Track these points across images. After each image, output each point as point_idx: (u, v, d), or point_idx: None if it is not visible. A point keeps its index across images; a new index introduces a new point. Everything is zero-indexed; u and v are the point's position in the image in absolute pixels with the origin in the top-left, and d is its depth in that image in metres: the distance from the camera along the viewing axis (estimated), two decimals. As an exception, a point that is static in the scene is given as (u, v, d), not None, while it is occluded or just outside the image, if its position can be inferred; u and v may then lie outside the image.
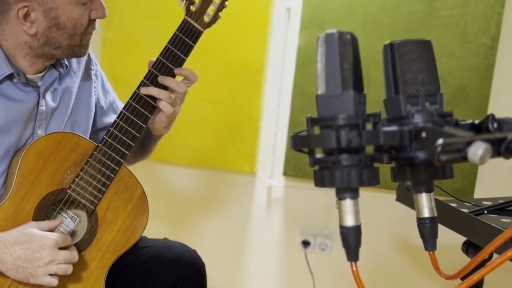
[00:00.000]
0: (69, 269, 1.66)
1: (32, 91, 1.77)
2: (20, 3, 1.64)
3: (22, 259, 1.60)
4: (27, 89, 1.76)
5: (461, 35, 2.88)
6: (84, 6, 1.71)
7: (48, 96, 1.81)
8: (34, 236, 1.62)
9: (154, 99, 1.80)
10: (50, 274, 1.64)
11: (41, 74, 1.79)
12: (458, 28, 2.88)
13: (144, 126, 1.81)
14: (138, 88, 1.80)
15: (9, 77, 1.71)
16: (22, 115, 1.74)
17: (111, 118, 2.05)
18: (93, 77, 2.01)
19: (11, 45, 1.72)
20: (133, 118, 1.79)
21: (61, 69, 1.85)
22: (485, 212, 1.82)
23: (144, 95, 1.79)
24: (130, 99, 1.79)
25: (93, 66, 2.02)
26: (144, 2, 3.19)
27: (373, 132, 0.83)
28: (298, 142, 0.87)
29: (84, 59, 1.96)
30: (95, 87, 2.01)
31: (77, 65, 1.94)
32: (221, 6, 1.87)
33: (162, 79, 1.80)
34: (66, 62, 1.88)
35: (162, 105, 1.79)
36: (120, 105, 2.11)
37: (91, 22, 1.77)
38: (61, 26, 1.70)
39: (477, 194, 2.94)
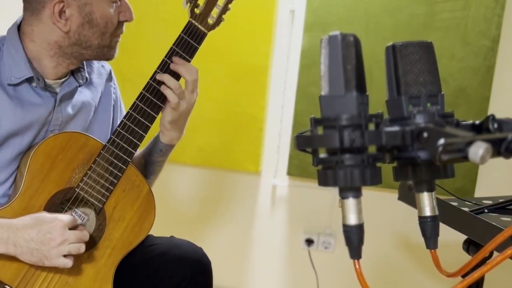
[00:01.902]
0: (81, 247, 1.67)
1: (49, 96, 1.77)
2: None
3: (35, 241, 1.60)
4: (45, 94, 1.76)
5: (462, 37, 2.88)
6: (115, 4, 1.74)
7: (66, 105, 1.81)
8: (44, 218, 1.63)
9: (160, 99, 1.81)
10: (64, 256, 1.64)
11: (60, 81, 1.79)
12: (459, 30, 2.88)
13: (150, 125, 1.81)
14: (144, 89, 1.80)
15: (28, 80, 1.71)
16: (37, 119, 1.74)
17: None
18: (113, 95, 2.02)
19: (38, 46, 1.72)
20: (140, 118, 1.79)
21: (81, 81, 1.85)
22: (486, 211, 1.82)
23: (150, 95, 1.79)
24: (137, 99, 1.80)
25: (114, 84, 2.03)
26: (150, 5, 3.20)
27: (375, 132, 0.83)
28: (302, 142, 0.87)
29: (105, 75, 1.98)
30: (115, 102, 2.03)
31: (98, 80, 1.95)
32: (225, 9, 1.87)
33: (174, 66, 1.80)
34: (87, 75, 1.88)
35: (169, 94, 1.79)
36: None
37: (120, 24, 1.79)
38: (94, 23, 1.71)
39: (478, 193, 2.94)
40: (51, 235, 1.61)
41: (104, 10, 1.71)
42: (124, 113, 2.06)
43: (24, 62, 1.70)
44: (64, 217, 1.65)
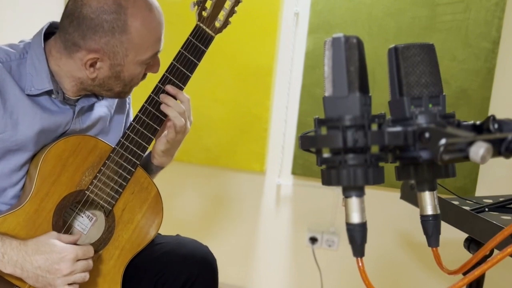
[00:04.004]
0: (86, 277, 1.66)
1: (68, 109, 1.76)
2: (92, 54, 1.63)
3: (42, 269, 1.59)
4: (64, 107, 1.75)
5: (463, 39, 2.88)
6: (147, 65, 1.74)
7: (84, 117, 1.82)
8: (55, 247, 1.61)
9: None
10: (69, 284, 1.64)
11: (79, 97, 1.79)
12: (460, 32, 2.87)
13: (159, 128, 1.81)
14: (152, 92, 1.80)
15: (48, 92, 1.70)
16: (55, 128, 1.73)
17: None
18: (127, 105, 2.03)
19: (62, 72, 1.70)
20: (148, 121, 1.79)
21: (100, 97, 1.85)
22: (486, 209, 1.82)
23: (159, 99, 1.79)
24: (145, 102, 1.79)
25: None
26: (158, 8, 3.20)
27: (378, 133, 0.83)
28: (306, 142, 0.87)
29: None
30: (128, 111, 2.03)
31: None
32: (232, 12, 1.87)
33: (169, 88, 1.80)
34: None
35: (172, 115, 1.79)
36: None
37: (144, 75, 1.79)
38: (121, 78, 1.71)
39: (479, 192, 2.93)
40: (58, 266, 1.60)
41: (134, 71, 1.71)
42: (132, 117, 2.08)
43: (46, 75, 1.67)
44: (74, 249, 1.64)
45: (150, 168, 1.96)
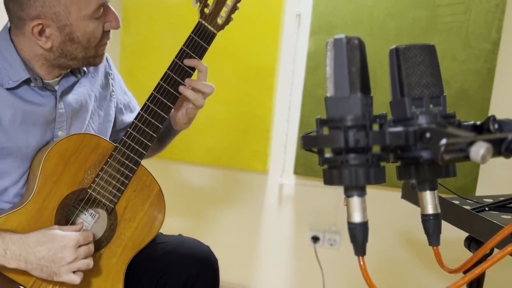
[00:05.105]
0: (90, 263, 1.67)
1: (49, 94, 1.75)
2: (35, 21, 1.61)
3: (45, 259, 1.60)
4: (44, 93, 1.74)
5: (463, 40, 2.87)
6: (98, 20, 1.68)
7: (68, 99, 1.79)
8: (56, 236, 1.62)
9: (170, 100, 1.81)
10: (73, 271, 1.64)
11: (58, 79, 1.78)
12: (461, 33, 2.87)
13: (161, 126, 1.80)
14: (154, 90, 1.80)
15: (26, 81, 1.69)
16: (40, 117, 1.72)
17: (128, 117, 2.06)
18: (111, 81, 2.00)
19: (27, 55, 1.69)
20: (151, 119, 1.78)
21: (78, 75, 1.83)
22: (486, 209, 1.82)
23: (161, 97, 1.79)
24: (148, 100, 1.79)
25: (111, 70, 2.00)
26: (160, 8, 3.21)
27: (379, 133, 0.83)
28: (308, 142, 0.87)
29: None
30: (113, 91, 2.00)
31: (94, 69, 1.91)
32: (234, 8, 1.86)
33: (190, 82, 1.82)
34: (85, 68, 1.86)
35: (198, 99, 1.83)
36: (135, 105, 2.12)
37: (106, 33, 1.73)
38: (75, 40, 1.67)
39: (479, 192, 2.93)
40: (62, 254, 1.60)
41: (85, 28, 1.66)
42: (127, 91, 2.09)
43: (19, 64, 1.67)
44: (75, 235, 1.64)
45: (172, 133, 2.00)
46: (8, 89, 1.66)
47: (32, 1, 1.59)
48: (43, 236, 1.62)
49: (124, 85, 2.09)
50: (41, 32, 1.64)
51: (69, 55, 1.70)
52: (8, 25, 1.72)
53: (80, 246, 1.65)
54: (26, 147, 1.72)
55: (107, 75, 1.98)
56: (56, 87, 1.77)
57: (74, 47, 1.68)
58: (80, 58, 1.72)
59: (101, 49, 1.76)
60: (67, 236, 1.63)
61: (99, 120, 1.92)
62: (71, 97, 1.81)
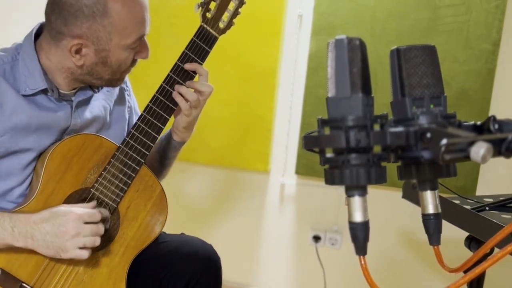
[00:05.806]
0: (96, 240, 1.65)
1: (65, 104, 1.76)
2: (76, 40, 1.63)
3: (50, 234, 1.59)
4: (60, 104, 1.75)
5: (464, 41, 2.87)
6: (132, 49, 1.72)
7: (82, 110, 1.81)
8: (59, 211, 1.62)
9: (173, 101, 1.81)
10: (80, 248, 1.62)
11: (74, 91, 1.79)
12: (461, 34, 2.87)
13: (163, 127, 1.81)
14: (157, 92, 1.80)
15: (43, 91, 1.70)
16: (54, 125, 1.73)
17: None
18: (127, 96, 2.02)
19: (53, 65, 1.71)
20: (153, 120, 1.79)
21: (96, 89, 1.85)
22: (487, 208, 1.82)
23: (163, 98, 1.79)
24: (150, 102, 1.80)
25: (126, 87, 2.03)
26: (162, 11, 3.20)
27: (380, 133, 0.83)
28: (310, 142, 0.87)
29: None
30: (128, 107, 2.02)
31: None
32: (235, 13, 1.87)
33: (190, 83, 1.82)
34: None
35: (184, 106, 1.80)
36: None
37: (134, 61, 1.78)
38: (108, 64, 1.70)
39: (479, 192, 2.93)
40: (64, 228, 1.60)
41: (120, 56, 1.70)
42: (138, 111, 2.08)
43: (39, 73, 1.68)
44: (78, 210, 1.63)
45: (173, 146, 1.97)
46: (24, 95, 1.67)
47: (80, 22, 1.61)
48: (48, 212, 1.62)
49: (137, 107, 2.09)
50: (78, 51, 1.66)
51: (96, 75, 1.73)
52: (34, 31, 1.73)
53: (86, 223, 1.63)
54: (35, 151, 1.73)
55: (122, 89, 2.00)
56: (73, 98, 1.78)
57: (104, 69, 1.72)
58: (105, 79, 1.76)
59: (125, 74, 1.81)
60: (71, 210, 1.63)
61: (111, 134, 1.91)
62: (86, 109, 1.83)
